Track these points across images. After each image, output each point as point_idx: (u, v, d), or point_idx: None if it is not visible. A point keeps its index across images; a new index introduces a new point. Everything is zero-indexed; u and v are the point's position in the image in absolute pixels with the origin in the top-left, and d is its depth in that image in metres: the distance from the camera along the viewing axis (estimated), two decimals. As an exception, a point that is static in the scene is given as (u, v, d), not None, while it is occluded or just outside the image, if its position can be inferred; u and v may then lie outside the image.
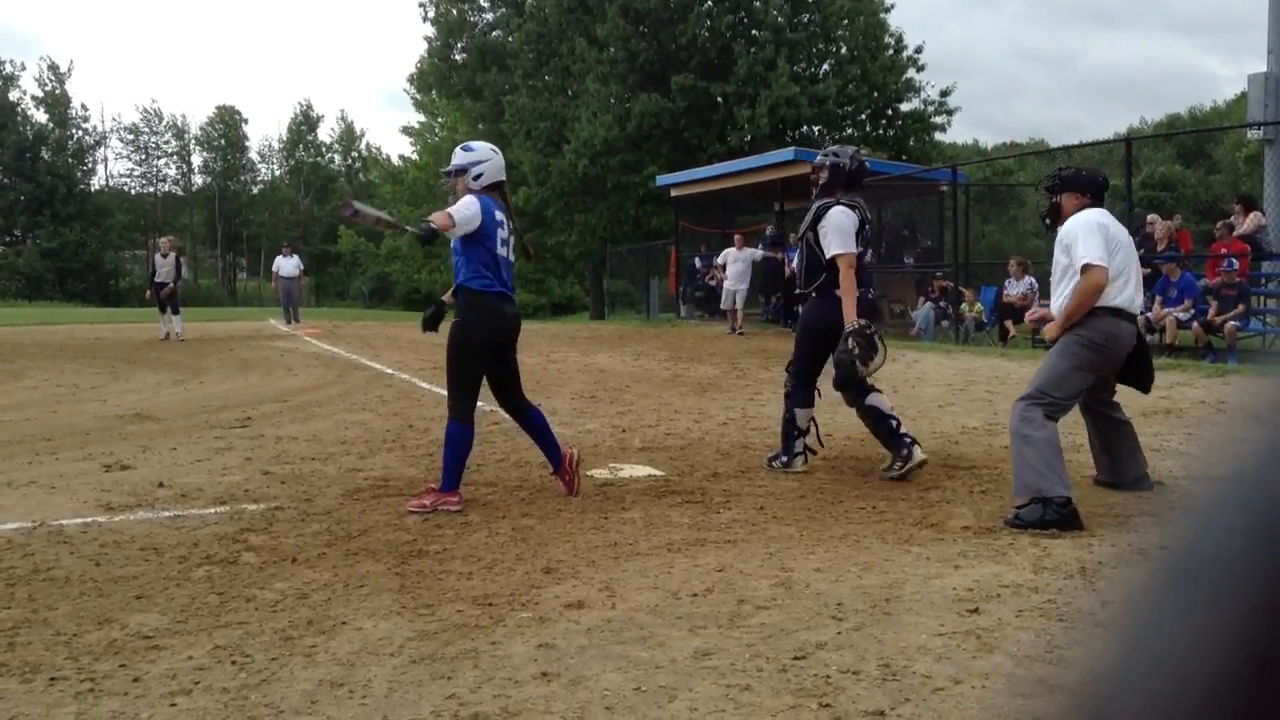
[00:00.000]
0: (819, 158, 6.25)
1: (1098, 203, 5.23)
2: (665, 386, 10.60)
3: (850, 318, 5.72)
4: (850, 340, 5.70)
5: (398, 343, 17.63)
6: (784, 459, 6.08)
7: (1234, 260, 13.09)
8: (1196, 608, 0.40)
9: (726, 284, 18.72)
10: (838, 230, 5.84)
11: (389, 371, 12.61)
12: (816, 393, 6.11)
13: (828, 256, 5.84)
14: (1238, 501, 0.42)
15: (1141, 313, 5.50)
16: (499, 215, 5.32)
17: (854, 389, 5.87)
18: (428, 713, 2.73)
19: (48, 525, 4.83)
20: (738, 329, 18.09)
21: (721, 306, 19.32)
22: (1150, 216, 15.06)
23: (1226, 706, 0.37)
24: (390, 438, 7.44)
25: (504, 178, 5.49)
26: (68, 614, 3.57)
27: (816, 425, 6.16)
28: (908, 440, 5.76)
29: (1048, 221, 5.43)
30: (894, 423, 5.81)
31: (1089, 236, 4.95)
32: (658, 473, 6.08)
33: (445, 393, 5.35)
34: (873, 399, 5.88)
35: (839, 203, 5.95)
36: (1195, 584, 0.41)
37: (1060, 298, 5.10)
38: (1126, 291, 5.03)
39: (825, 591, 3.71)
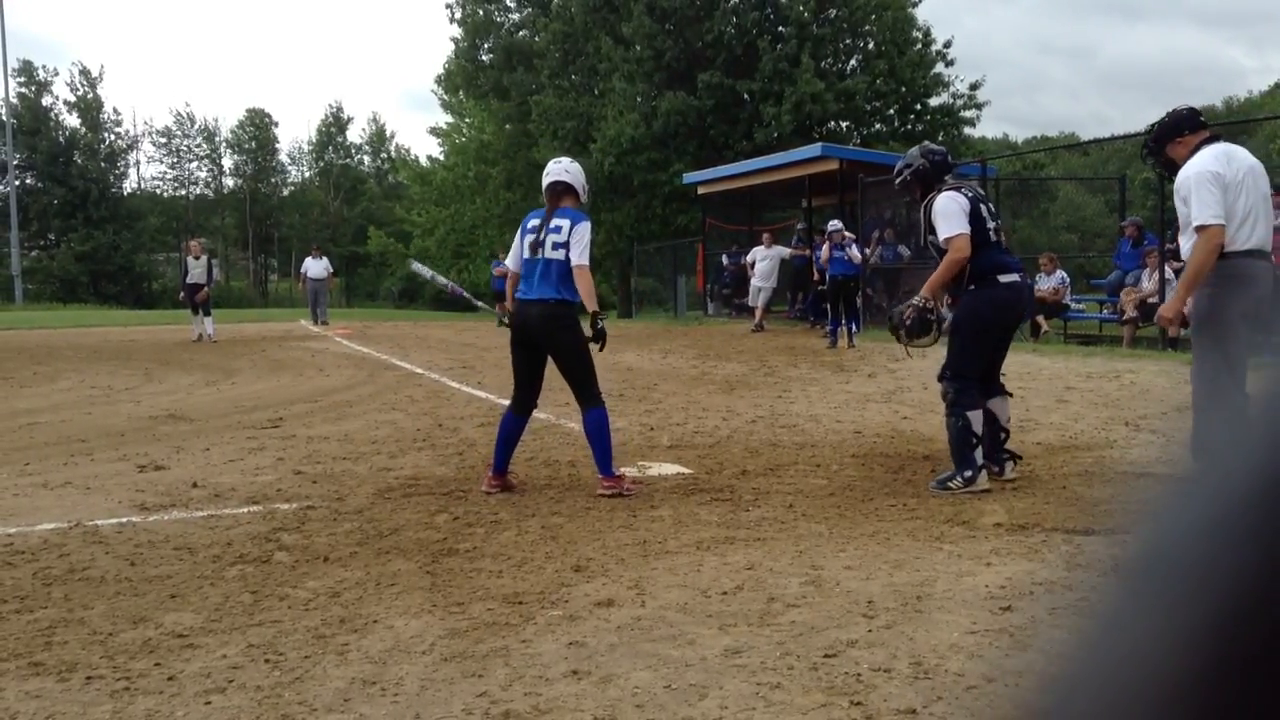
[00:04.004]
0: (898, 174, 5.87)
1: None
2: (693, 384, 10.58)
3: (927, 293, 5.50)
4: (909, 309, 5.49)
5: (427, 343, 17.73)
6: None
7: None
8: (1160, 606, 0.39)
9: (754, 281, 18.74)
10: (942, 215, 5.43)
11: (419, 371, 12.67)
12: (1006, 393, 5.67)
13: (941, 244, 5.43)
14: (1204, 497, 0.41)
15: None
16: (530, 223, 5.61)
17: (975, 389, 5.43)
18: (459, 710, 2.74)
19: (83, 525, 4.89)
20: (759, 325, 18.06)
21: (749, 303, 19.33)
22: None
23: (1187, 709, 0.36)
24: (420, 437, 7.47)
25: (549, 181, 5.69)
26: (103, 613, 3.61)
27: (1006, 430, 5.59)
28: (978, 462, 5.35)
29: None
30: (975, 439, 5.35)
31: None
32: (686, 471, 6.07)
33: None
34: (992, 403, 5.51)
35: (940, 191, 5.56)
36: (1160, 581, 0.40)
37: None
38: None
39: (856, 589, 3.69)
